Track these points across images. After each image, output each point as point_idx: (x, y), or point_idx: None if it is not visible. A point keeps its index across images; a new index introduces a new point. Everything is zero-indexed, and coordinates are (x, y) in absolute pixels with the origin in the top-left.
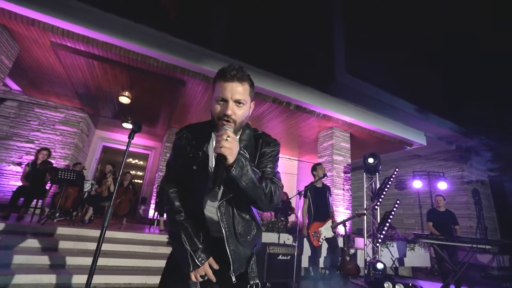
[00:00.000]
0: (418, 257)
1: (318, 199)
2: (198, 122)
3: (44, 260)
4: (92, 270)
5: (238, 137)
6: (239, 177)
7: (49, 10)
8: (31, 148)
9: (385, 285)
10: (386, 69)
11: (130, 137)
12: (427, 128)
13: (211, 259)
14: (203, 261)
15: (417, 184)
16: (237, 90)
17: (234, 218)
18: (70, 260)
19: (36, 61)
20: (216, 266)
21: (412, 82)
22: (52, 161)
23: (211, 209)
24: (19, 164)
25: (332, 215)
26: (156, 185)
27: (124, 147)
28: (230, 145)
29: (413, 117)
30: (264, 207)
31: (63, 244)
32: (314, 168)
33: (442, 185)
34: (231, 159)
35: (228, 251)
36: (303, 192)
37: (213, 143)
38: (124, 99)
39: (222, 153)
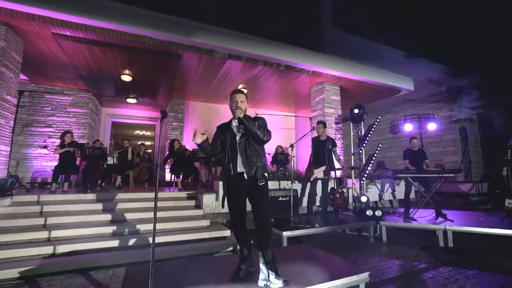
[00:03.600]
0: (403, 190)
1: (318, 149)
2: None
3: (96, 217)
4: (154, 221)
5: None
6: (247, 122)
7: (47, 4)
8: (51, 132)
9: (367, 212)
10: (372, 18)
11: (161, 121)
12: (417, 73)
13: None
14: None
15: (408, 127)
16: (241, 97)
17: (246, 150)
18: (115, 216)
19: (40, 52)
20: None
21: (399, 28)
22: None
23: (234, 150)
24: (45, 147)
25: (328, 164)
26: (167, 152)
27: (131, 121)
28: (241, 112)
29: (402, 64)
30: (261, 140)
31: (107, 205)
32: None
33: (432, 126)
34: (241, 116)
35: (242, 164)
36: (294, 144)
37: (233, 122)
38: (126, 77)
39: (239, 116)
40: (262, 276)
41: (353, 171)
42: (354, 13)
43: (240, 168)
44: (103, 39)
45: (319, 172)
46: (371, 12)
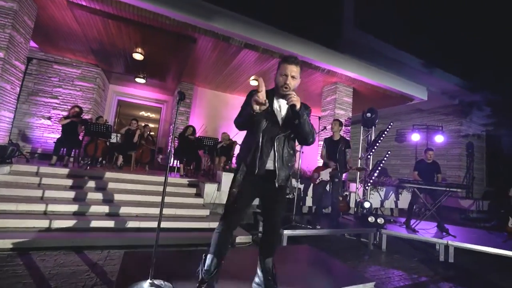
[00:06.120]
0: (406, 200)
1: (330, 149)
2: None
3: (95, 195)
4: (162, 205)
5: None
6: (302, 115)
7: None
8: (56, 103)
9: (369, 218)
10: (395, 23)
11: (178, 103)
12: (431, 83)
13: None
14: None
15: (415, 137)
16: (294, 70)
17: (284, 148)
18: (115, 196)
19: (53, 20)
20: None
21: (420, 36)
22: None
23: (269, 144)
24: (49, 118)
25: (337, 166)
26: (171, 136)
27: (137, 101)
28: (297, 99)
29: (418, 72)
30: (309, 140)
31: (105, 184)
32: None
33: (439, 138)
34: (298, 105)
35: (276, 169)
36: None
37: (275, 102)
38: (138, 56)
39: (294, 103)
40: (257, 280)
41: (358, 175)
42: (375, 15)
43: (269, 166)
44: (119, 13)
45: (325, 174)
46: (392, 15)
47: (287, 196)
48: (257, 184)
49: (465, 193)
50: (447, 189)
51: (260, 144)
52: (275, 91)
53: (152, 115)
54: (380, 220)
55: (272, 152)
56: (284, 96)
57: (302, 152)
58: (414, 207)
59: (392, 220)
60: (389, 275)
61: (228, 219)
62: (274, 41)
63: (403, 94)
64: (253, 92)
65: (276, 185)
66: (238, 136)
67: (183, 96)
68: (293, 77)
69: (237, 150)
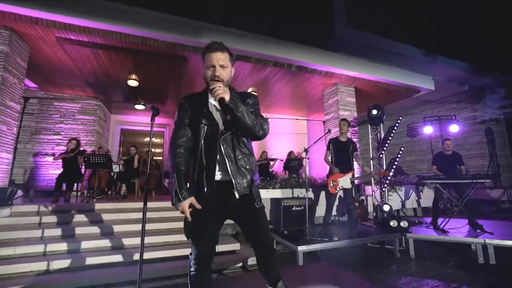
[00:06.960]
0: (428, 198)
1: (340, 153)
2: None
3: (96, 229)
4: (143, 232)
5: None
6: (235, 108)
7: (49, 7)
8: (59, 139)
9: (391, 223)
10: (388, 15)
11: (152, 119)
12: (436, 72)
13: (192, 199)
14: (185, 198)
15: (428, 129)
16: (220, 58)
17: (235, 149)
18: (116, 228)
19: (46, 58)
20: (198, 206)
21: (416, 25)
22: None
23: (214, 149)
24: (53, 155)
25: (353, 169)
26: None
27: (140, 128)
28: (223, 90)
29: (421, 62)
30: (258, 133)
31: (109, 216)
32: (338, 124)
33: (454, 128)
34: (227, 98)
35: (231, 176)
36: (309, 149)
37: (211, 102)
38: (133, 82)
39: (220, 96)
40: None
41: (373, 178)
42: (368, 10)
43: (221, 176)
44: (108, 42)
45: (345, 181)
46: (386, 9)
47: (257, 205)
48: (216, 204)
49: (493, 183)
50: (474, 181)
51: (202, 152)
52: (208, 89)
53: (157, 140)
54: (404, 223)
55: (221, 157)
56: None
57: (307, 158)
58: (439, 204)
59: (416, 221)
60: (423, 287)
61: (197, 256)
62: (266, 49)
63: (408, 86)
64: (182, 101)
65: (237, 196)
66: None
67: (156, 111)
68: (222, 66)
69: None
